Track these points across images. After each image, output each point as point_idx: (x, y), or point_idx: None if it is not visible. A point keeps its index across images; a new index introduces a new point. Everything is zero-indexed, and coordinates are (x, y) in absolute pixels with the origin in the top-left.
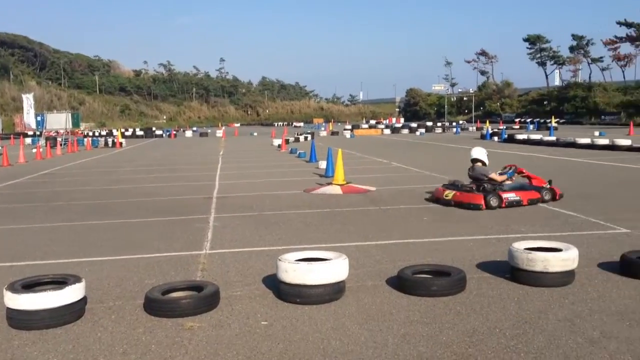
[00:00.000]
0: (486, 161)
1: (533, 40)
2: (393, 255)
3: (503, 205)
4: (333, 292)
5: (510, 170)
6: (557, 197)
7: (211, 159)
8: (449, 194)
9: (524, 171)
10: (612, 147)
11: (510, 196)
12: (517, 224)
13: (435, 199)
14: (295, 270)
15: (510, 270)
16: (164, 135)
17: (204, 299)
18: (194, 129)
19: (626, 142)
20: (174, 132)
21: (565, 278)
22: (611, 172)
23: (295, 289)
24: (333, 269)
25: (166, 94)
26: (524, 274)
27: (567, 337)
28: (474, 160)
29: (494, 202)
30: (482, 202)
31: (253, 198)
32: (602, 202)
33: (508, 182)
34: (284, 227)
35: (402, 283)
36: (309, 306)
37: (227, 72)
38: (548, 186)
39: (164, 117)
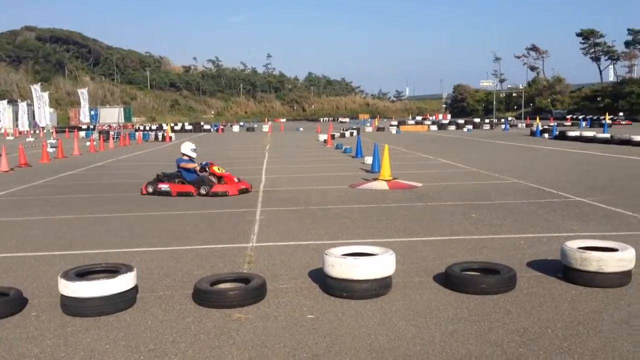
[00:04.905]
0: (190, 154)
1: (586, 35)
2: (440, 252)
3: (157, 191)
4: (380, 287)
5: (204, 163)
6: (210, 194)
7: (258, 154)
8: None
9: (213, 169)
10: None
11: (164, 186)
12: (570, 222)
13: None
14: (341, 264)
15: (562, 270)
16: (211, 129)
17: (251, 291)
18: (241, 123)
19: None
20: (222, 127)
21: (621, 279)
22: None
23: (341, 283)
24: (380, 264)
25: (214, 89)
26: (577, 274)
27: (624, 339)
28: (182, 154)
29: (149, 188)
30: (144, 188)
31: (299, 192)
32: None
33: (201, 173)
34: (330, 222)
35: (449, 280)
36: (355, 301)
37: (274, 68)
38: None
39: (212, 112)
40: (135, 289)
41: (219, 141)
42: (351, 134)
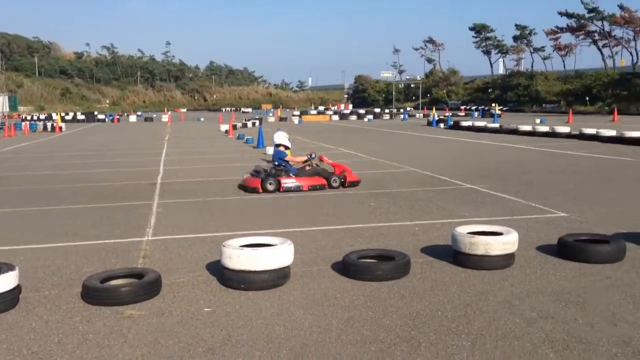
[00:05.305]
0: (287, 144)
1: (478, 29)
2: (339, 241)
3: (281, 189)
4: (278, 277)
5: (312, 155)
6: (346, 185)
7: (156, 145)
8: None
9: (324, 159)
10: (552, 134)
11: (290, 182)
12: (462, 208)
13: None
14: (239, 256)
15: (453, 254)
16: (106, 119)
17: (145, 286)
18: (139, 113)
19: (565, 129)
20: (117, 117)
21: (505, 261)
22: (551, 158)
23: (239, 275)
24: (278, 254)
25: (109, 77)
26: (467, 258)
27: (506, 318)
28: (277, 145)
29: (270, 186)
30: (259, 185)
31: (198, 184)
32: (542, 188)
33: (307, 167)
34: (229, 213)
35: (347, 268)
36: (253, 292)
37: (174, 56)
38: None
39: (107, 102)
40: (17, 289)
41: (114, 131)
42: (253, 124)
